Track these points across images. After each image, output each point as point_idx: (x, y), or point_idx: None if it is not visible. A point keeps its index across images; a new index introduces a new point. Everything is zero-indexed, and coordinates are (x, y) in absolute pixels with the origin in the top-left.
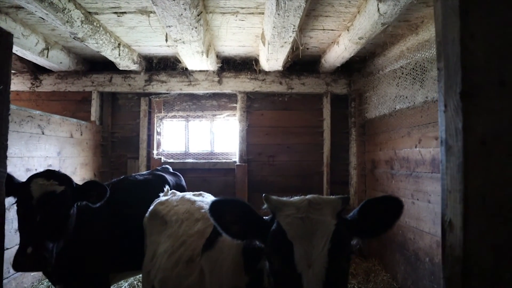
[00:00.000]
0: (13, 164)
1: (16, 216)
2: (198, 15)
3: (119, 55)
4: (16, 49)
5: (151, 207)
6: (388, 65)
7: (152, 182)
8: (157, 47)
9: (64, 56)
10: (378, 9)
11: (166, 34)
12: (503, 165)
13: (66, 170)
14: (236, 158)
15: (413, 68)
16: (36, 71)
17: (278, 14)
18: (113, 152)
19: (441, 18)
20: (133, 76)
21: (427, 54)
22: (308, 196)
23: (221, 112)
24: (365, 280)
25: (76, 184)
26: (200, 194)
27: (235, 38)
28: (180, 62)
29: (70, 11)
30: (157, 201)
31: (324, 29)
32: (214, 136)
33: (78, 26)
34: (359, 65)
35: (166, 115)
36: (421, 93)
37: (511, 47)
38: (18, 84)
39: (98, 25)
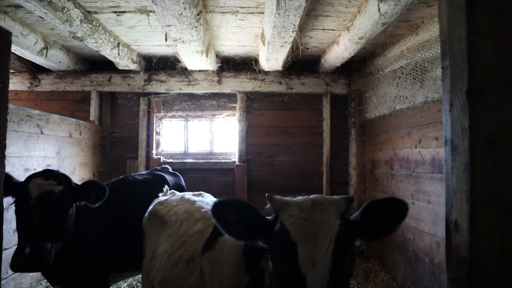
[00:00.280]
0: (12, 164)
1: (14, 216)
2: (198, 15)
3: (119, 54)
4: (15, 49)
5: (150, 207)
6: (388, 65)
7: (152, 182)
8: (157, 46)
9: (63, 56)
10: (379, 9)
11: (166, 33)
12: (510, 164)
13: (65, 170)
14: (235, 158)
15: (413, 68)
16: (35, 70)
17: (278, 13)
18: (112, 152)
19: (447, 16)
20: (132, 76)
21: (427, 54)
22: (312, 196)
23: (221, 112)
24: (365, 280)
25: (75, 184)
26: (199, 194)
27: (234, 38)
28: (179, 61)
29: (69, 10)
30: (157, 201)
31: (324, 29)
32: (214, 136)
33: (77, 25)
34: (359, 65)
35: (166, 115)
36: (421, 93)
37: None
38: (17, 83)
39: (97, 25)
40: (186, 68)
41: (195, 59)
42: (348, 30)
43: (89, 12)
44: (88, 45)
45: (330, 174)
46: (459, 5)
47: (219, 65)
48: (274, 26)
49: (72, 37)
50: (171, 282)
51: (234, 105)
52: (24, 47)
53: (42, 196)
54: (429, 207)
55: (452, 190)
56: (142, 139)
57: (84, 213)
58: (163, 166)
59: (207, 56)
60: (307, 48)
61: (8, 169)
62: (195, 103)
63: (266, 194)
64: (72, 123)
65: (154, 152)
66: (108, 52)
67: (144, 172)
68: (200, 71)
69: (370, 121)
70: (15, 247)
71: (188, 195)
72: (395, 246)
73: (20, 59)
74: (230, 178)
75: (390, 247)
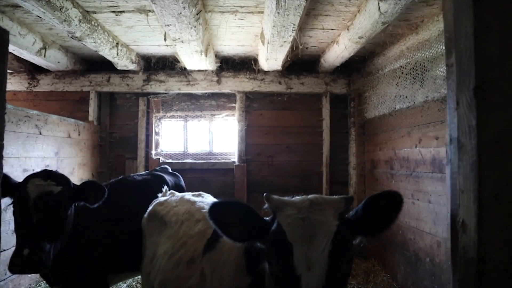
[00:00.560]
0: (10, 165)
1: (12, 217)
2: (197, 14)
3: (117, 54)
4: (13, 49)
5: (150, 208)
6: (387, 64)
7: (151, 182)
8: (156, 46)
9: (61, 56)
10: (379, 8)
11: (165, 33)
12: None
13: (64, 170)
14: (235, 158)
15: (413, 68)
16: (33, 71)
17: (278, 12)
18: (111, 153)
19: (453, 12)
20: (131, 76)
21: (427, 53)
22: (310, 196)
23: (220, 112)
24: (365, 280)
25: (74, 184)
26: (199, 195)
27: (234, 38)
28: (178, 61)
29: (68, 9)
30: (156, 202)
31: (323, 29)
32: (213, 136)
33: (76, 25)
34: (359, 65)
35: (165, 115)
36: (421, 92)
37: None
38: (15, 84)
39: (96, 24)
40: (185, 68)
41: (194, 59)
42: (348, 29)
43: (87, 11)
44: (86, 45)
45: (330, 174)
46: (466, 1)
47: (218, 65)
48: (273, 26)
49: (71, 37)
50: (171, 283)
51: (234, 105)
52: (23, 47)
53: (40, 196)
54: (430, 207)
55: (459, 189)
56: (141, 139)
57: (83, 213)
58: (162, 166)
59: (206, 56)
60: (307, 48)
61: (7, 169)
62: (194, 103)
63: (264, 194)
64: (70, 123)
65: (153, 152)
66: (107, 52)
67: (143, 172)
68: (199, 71)
69: (370, 121)
70: (13, 249)
71: (188, 195)
72: (395, 246)
73: (19, 59)
74: (229, 178)
75: (390, 247)
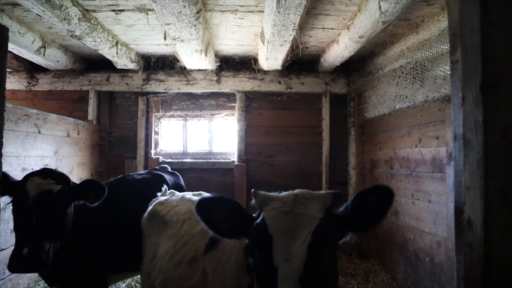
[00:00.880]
0: (9, 164)
1: (11, 216)
2: (197, 13)
3: (117, 53)
4: (12, 47)
5: (150, 208)
6: (387, 64)
7: (151, 181)
8: (155, 45)
9: (61, 55)
10: (380, 7)
11: (165, 32)
12: None
13: (63, 169)
14: (234, 158)
15: (413, 68)
16: (32, 70)
17: (279, 11)
18: (111, 152)
19: (459, 7)
20: (130, 75)
21: (427, 53)
22: (296, 191)
23: (220, 112)
24: (365, 280)
25: (74, 183)
26: (200, 194)
27: (234, 37)
28: (178, 61)
29: (67, 8)
30: (156, 201)
31: (324, 28)
32: (213, 135)
33: (76, 23)
34: (359, 65)
35: (164, 115)
36: (421, 92)
37: None
38: (14, 83)
39: (95, 23)
40: (185, 68)
41: (194, 58)
42: (348, 29)
43: (87, 10)
44: (86, 44)
45: (329, 174)
46: None
47: (218, 64)
48: (274, 25)
49: (70, 36)
50: (173, 282)
51: (233, 104)
52: (22, 45)
53: (40, 195)
54: (430, 207)
55: (464, 186)
56: (141, 138)
57: (82, 212)
58: (162, 165)
59: (206, 55)
60: (307, 47)
61: (6, 168)
62: (194, 103)
63: (252, 190)
64: (70, 122)
65: (152, 152)
66: (107, 51)
67: (142, 171)
68: (199, 70)
69: (370, 121)
70: (12, 248)
71: (189, 195)
72: (395, 246)
73: (18, 58)
74: (229, 178)
75: (390, 247)
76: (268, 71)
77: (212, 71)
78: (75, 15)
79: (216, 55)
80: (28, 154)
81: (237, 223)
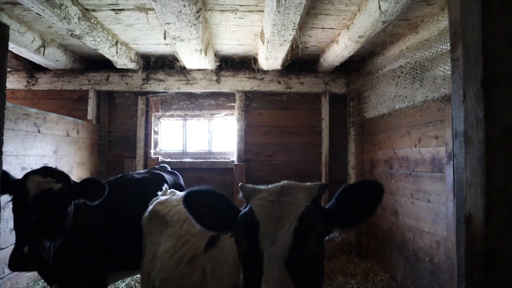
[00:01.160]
0: (9, 163)
1: (11, 215)
2: (197, 12)
3: (117, 53)
4: (12, 46)
5: (150, 207)
6: (387, 64)
7: (150, 180)
8: (155, 45)
9: (60, 54)
10: (380, 7)
11: (165, 31)
12: None
13: (62, 169)
14: (234, 158)
15: (413, 68)
16: (32, 69)
17: (279, 11)
18: (110, 151)
19: (460, 4)
20: (130, 75)
21: (427, 53)
22: (282, 182)
23: (219, 111)
24: (364, 280)
25: (74, 181)
26: None
27: (234, 37)
28: (178, 60)
29: (67, 7)
30: (157, 201)
31: (323, 28)
32: (212, 135)
33: (75, 23)
34: (358, 65)
35: (164, 114)
36: (420, 92)
37: None
38: (13, 82)
39: (95, 22)
40: (184, 67)
41: (193, 58)
42: (348, 28)
43: (87, 9)
44: (86, 43)
45: (329, 174)
46: None
47: (217, 64)
48: (274, 24)
49: (70, 35)
50: (173, 281)
51: (233, 104)
52: (21, 45)
53: (40, 194)
54: (429, 206)
55: (466, 183)
56: (140, 138)
57: (82, 211)
58: (162, 165)
59: (206, 55)
60: (306, 47)
61: (5, 167)
62: (194, 102)
63: (239, 184)
64: (69, 122)
65: (152, 151)
66: (106, 51)
67: (142, 171)
68: (198, 70)
69: (369, 121)
70: (12, 247)
71: None
72: (394, 246)
73: (17, 57)
74: (228, 178)
75: (390, 246)
76: (268, 71)
77: (211, 70)
78: (75, 15)
79: (215, 55)
80: (27, 153)
81: (224, 216)
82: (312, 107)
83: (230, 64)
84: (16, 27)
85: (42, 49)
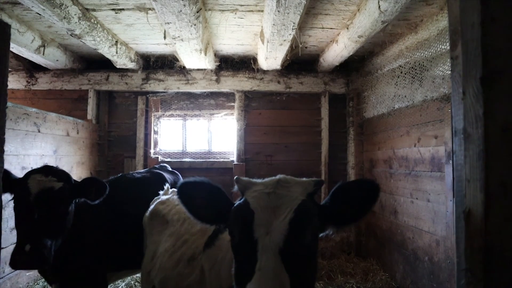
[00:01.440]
0: (9, 162)
1: (11, 214)
2: (197, 12)
3: (116, 53)
4: (12, 46)
5: (152, 207)
6: (386, 64)
7: (150, 180)
8: (155, 45)
9: (60, 54)
10: (379, 7)
11: (165, 31)
12: None
13: (62, 168)
14: (234, 158)
15: (412, 67)
16: (31, 69)
17: (278, 11)
18: (110, 151)
19: (459, 3)
20: (130, 75)
21: (426, 53)
22: (278, 176)
23: (219, 111)
24: (364, 279)
25: (75, 180)
26: None
27: (233, 36)
28: (177, 60)
29: (68, 7)
30: (158, 201)
31: (323, 28)
32: (212, 135)
33: (75, 22)
34: (358, 65)
35: (164, 114)
36: (420, 92)
37: None
38: (13, 82)
39: (95, 22)
40: (184, 67)
41: (193, 57)
42: (347, 28)
43: (87, 9)
44: (86, 43)
45: (328, 174)
46: None
47: (217, 64)
48: (273, 24)
49: (70, 35)
50: (172, 281)
51: (233, 104)
52: (21, 44)
53: (41, 192)
54: (428, 206)
55: (465, 179)
56: (140, 138)
57: (83, 210)
58: (161, 164)
59: (205, 54)
60: (306, 47)
61: (5, 167)
62: (193, 102)
63: (235, 177)
64: (69, 121)
65: (152, 151)
66: (106, 50)
67: (142, 170)
68: (198, 70)
69: (369, 120)
70: (12, 246)
71: None
72: (394, 245)
73: (17, 57)
74: (228, 178)
75: (389, 246)
76: (268, 70)
77: (211, 70)
78: (75, 14)
79: (215, 55)
80: (27, 153)
81: (218, 209)
82: (312, 107)
83: (229, 64)
84: (16, 26)
85: (42, 48)
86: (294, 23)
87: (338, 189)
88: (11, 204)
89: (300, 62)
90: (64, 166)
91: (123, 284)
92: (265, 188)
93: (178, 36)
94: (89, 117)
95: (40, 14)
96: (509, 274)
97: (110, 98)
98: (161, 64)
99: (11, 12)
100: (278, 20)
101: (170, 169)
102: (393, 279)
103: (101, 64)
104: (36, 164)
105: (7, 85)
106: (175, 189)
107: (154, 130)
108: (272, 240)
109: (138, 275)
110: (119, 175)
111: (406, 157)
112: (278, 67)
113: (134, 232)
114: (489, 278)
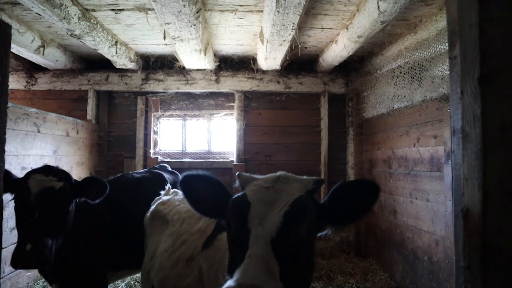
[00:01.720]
0: (9, 162)
1: (11, 214)
2: (197, 12)
3: (116, 53)
4: (11, 46)
5: (153, 207)
6: (386, 64)
7: (150, 180)
8: (155, 45)
9: (60, 54)
10: (378, 7)
11: (164, 31)
12: None
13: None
14: (233, 158)
15: (412, 67)
16: (31, 69)
17: (278, 11)
18: (110, 151)
19: (458, 3)
20: (130, 75)
21: (425, 53)
22: (279, 172)
23: (219, 111)
24: (363, 279)
25: (75, 180)
26: None
27: (233, 37)
28: (177, 60)
29: (67, 7)
30: (159, 201)
31: (322, 28)
32: (212, 135)
33: (75, 23)
34: (357, 65)
35: (163, 114)
36: (419, 92)
37: None
38: (13, 82)
39: (95, 22)
40: (184, 67)
41: (193, 57)
42: (347, 28)
43: (87, 9)
44: (85, 43)
45: (328, 174)
46: None
47: (217, 64)
48: (273, 24)
49: (70, 35)
50: (170, 281)
51: (232, 104)
52: (21, 45)
53: (42, 192)
54: (428, 206)
55: (464, 178)
56: (140, 138)
57: (83, 210)
58: (161, 164)
59: (205, 55)
60: (306, 47)
61: (5, 167)
62: (193, 102)
63: (237, 173)
64: (69, 121)
65: (151, 151)
66: (106, 51)
67: (142, 170)
68: (198, 70)
69: (368, 120)
70: (12, 246)
71: None
72: (393, 245)
73: (17, 57)
74: (228, 178)
75: (389, 245)
76: (267, 71)
77: (211, 70)
78: (75, 14)
79: (215, 55)
80: (27, 153)
81: (218, 202)
82: (311, 107)
83: (229, 64)
84: (16, 27)
85: (41, 49)
86: (293, 24)
87: (338, 188)
88: (12, 204)
89: (299, 62)
90: (64, 166)
91: (123, 284)
92: (265, 183)
93: (178, 37)
94: (88, 117)
95: (40, 15)
96: (506, 271)
97: (110, 98)
98: (161, 64)
99: (11, 12)
100: (277, 20)
101: (170, 169)
102: (393, 278)
103: (100, 64)
104: (36, 164)
105: (8, 85)
106: (176, 190)
107: (154, 130)
108: (265, 230)
109: (138, 275)
110: (118, 175)
111: (406, 157)
112: (278, 67)
113: (134, 232)
114: (487, 276)
